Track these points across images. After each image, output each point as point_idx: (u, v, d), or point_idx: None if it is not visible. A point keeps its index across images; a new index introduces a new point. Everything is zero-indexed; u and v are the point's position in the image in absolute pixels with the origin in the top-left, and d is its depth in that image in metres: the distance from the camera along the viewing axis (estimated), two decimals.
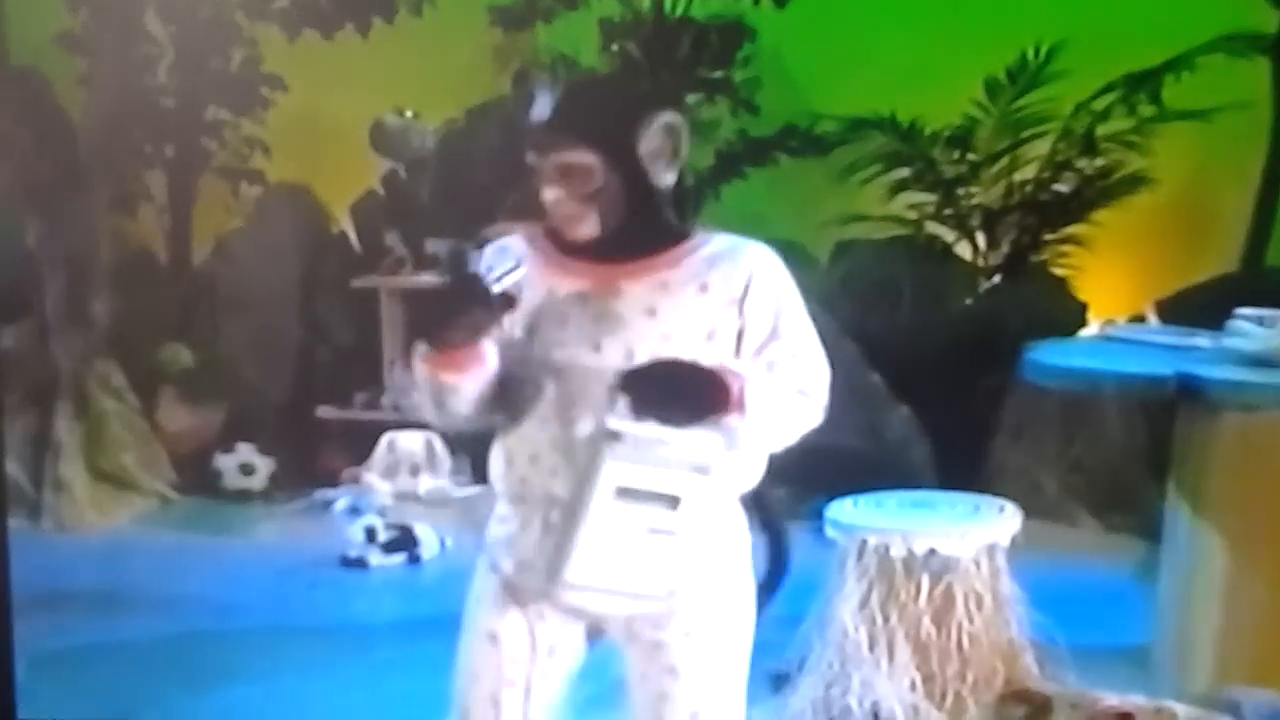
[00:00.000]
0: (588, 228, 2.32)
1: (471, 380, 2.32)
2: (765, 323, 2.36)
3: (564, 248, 2.37)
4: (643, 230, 2.36)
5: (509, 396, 2.36)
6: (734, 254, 2.38)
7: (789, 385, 2.35)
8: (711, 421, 2.22)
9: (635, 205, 2.34)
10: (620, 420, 2.17)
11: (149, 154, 7.05)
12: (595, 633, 2.45)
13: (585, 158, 2.30)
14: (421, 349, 2.31)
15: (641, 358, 2.29)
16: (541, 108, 2.33)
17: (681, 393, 2.22)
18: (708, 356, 2.30)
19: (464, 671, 2.45)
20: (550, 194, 2.31)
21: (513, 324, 2.33)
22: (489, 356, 2.32)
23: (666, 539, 2.17)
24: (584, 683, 2.55)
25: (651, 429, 2.17)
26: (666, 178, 2.36)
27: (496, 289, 2.26)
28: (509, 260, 2.33)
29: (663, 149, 2.35)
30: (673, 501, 2.16)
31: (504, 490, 2.43)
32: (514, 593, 2.41)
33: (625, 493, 2.14)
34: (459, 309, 2.25)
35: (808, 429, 2.39)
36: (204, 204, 7.16)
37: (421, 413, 2.43)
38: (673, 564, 2.20)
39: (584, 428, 2.29)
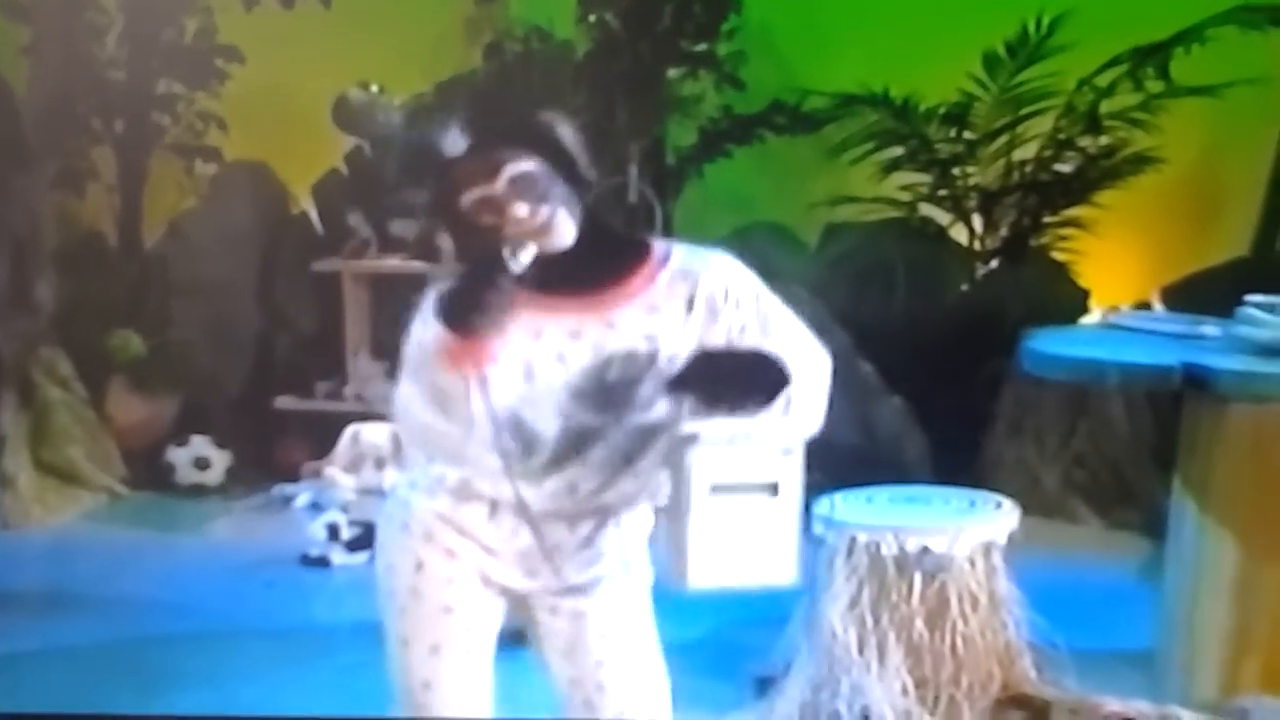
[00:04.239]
0: (565, 234, 2.44)
1: (484, 377, 2.38)
2: (754, 326, 2.48)
3: (539, 285, 2.44)
4: (606, 249, 2.50)
5: (517, 437, 2.45)
6: (704, 265, 2.51)
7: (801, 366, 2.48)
8: (775, 403, 2.34)
9: (585, 205, 2.48)
10: (693, 422, 2.29)
11: (97, 129, 7.02)
12: (519, 608, 2.61)
13: (527, 164, 2.42)
14: (441, 344, 2.37)
15: (645, 386, 2.43)
16: (454, 142, 2.44)
17: (746, 379, 2.35)
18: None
19: (419, 647, 2.56)
20: (519, 211, 2.40)
21: (512, 369, 2.43)
22: (496, 355, 2.39)
23: (776, 525, 2.30)
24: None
25: (726, 424, 2.29)
26: (591, 171, 2.50)
27: (516, 269, 2.37)
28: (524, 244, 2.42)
29: (576, 139, 2.49)
30: (772, 488, 2.29)
31: (456, 477, 2.52)
32: (457, 562, 2.54)
33: (720, 488, 2.27)
34: (490, 289, 2.34)
35: (821, 413, 2.50)
36: (156, 183, 7.14)
37: (423, 441, 2.53)
38: (790, 546, 2.33)
39: (578, 448, 2.44)
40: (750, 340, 2.47)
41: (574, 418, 2.45)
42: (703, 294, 2.47)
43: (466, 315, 2.34)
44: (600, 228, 2.52)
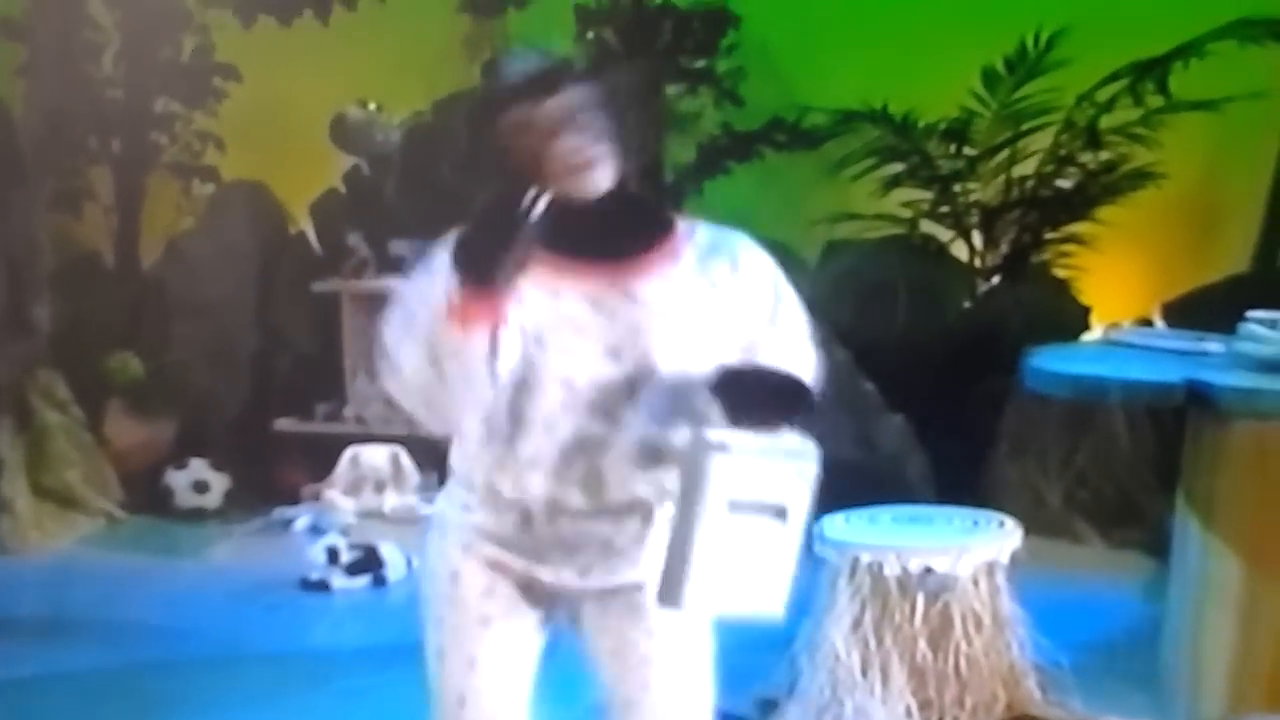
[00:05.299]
0: (602, 178, 2.35)
1: (493, 337, 2.29)
2: (764, 311, 2.46)
3: (558, 246, 2.37)
4: (631, 218, 2.42)
5: (517, 406, 2.39)
6: (728, 244, 2.47)
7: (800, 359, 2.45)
8: (797, 422, 2.28)
9: (633, 165, 2.40)
10: (723, 431, 2.21)
11: (94, 149, 7.05)
12: (568, 609, 2.55)
13: (585, 92, 2.34)
14: (451, 299, 2.26)
15: (660, 361, 2.37)
16: (525, 62, 2.36)
17: (776, 397, 2.29)
18: (717, 351, 2.38)
19: (456, 660, 2.52)
20: (565, 143, 2.32)
21: (524, 332, 2.36)
22: (507, 315, 2.31)
23: (778, 550, 2.23)
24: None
25: (757, 438, 2.21)
26: (640, 130, 2.43)
27: (533, 217, 2.24)
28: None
29: (637, 92, 2.48)
30: (780, 511, 2.22)
31: (480, 483, 2.47)
32: (498, 574, 2.50)
33: (736, 505, 2.19)
34: (506, 237, 2.23)
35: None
36: (153, 203, 7.16)
37: (420, 401, 2.37)
38: (786, 574, 2.25)
39: (594, 430, 2.36)
40: (757, 327, 2.43)
41: (584, 428, 2.38)
42: (725, 272, 2.43)
43: (481, 264, 2.23)
44: (627, 195, 2.41)
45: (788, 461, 2.22)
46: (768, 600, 2.26)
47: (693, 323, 2.40)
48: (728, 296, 2.43)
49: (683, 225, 2.47)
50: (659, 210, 2.48)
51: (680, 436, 2.34)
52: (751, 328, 2.44)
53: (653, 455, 2.40)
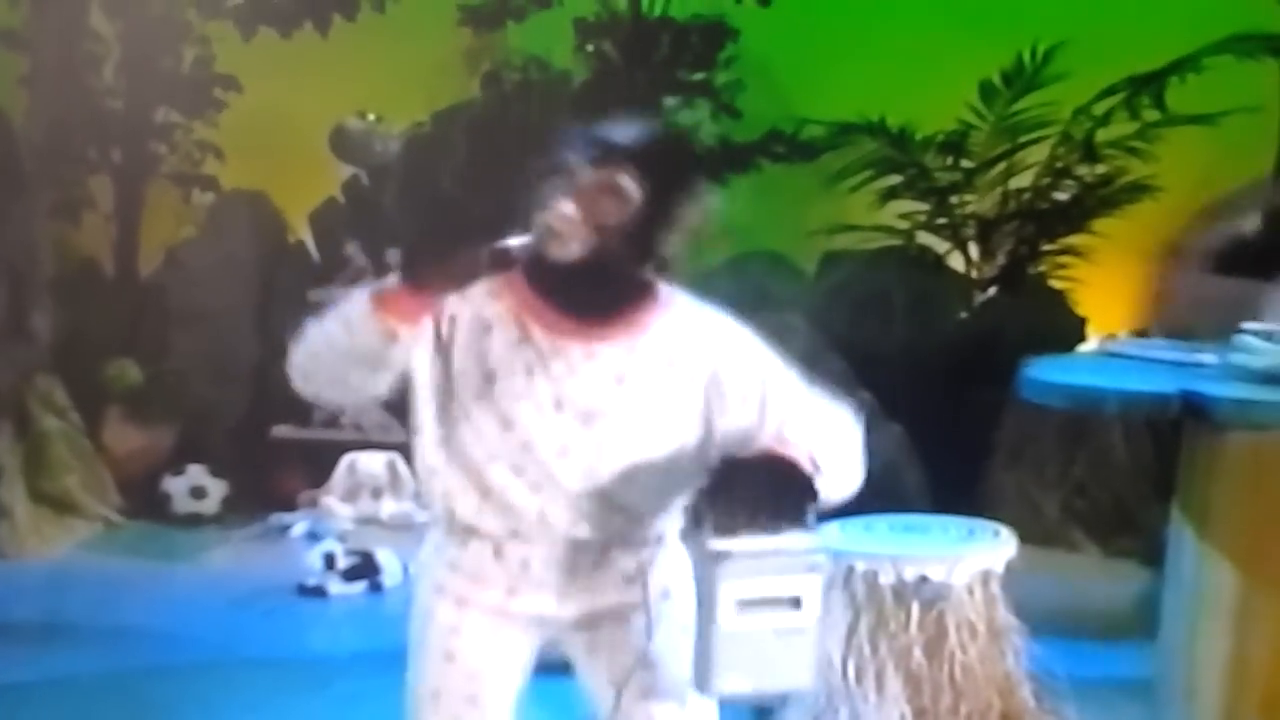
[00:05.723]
0: (572, 251, 2.32)
1: (408, 338, 2.34)
2: (749, 397, 2.39)
3: (538, 286, 2.38)
4: (615, 279, 2.39)
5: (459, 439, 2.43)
6: (701, 329, 2.42)
7: (826, 434, 2.40)
8: (809, 509, 2.28)
9: (633, 254, 2.37)
10: (724, 540, 2.25)
11: (94, 159, 7.05)
12: (550, 640, 2.55)
13: (632, 189, 2.31)
14: (386, 285, 2.31)
15: (601, 422, 2.37)
16: (628, 131, 2.36)
17: (774, 493, 2.26)
18: (669, 428, 2.38)
19: (422, 692, 2.53)
20: (567, 208, 2.30)
21: (481, 357, 2.39)
22: (427, 322, 2.36)
23: (797, 636, 2.31)
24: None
25: (757, 542, 2.25)
26: (670, 247, 2.39)
27: (507, 242, 2.28)
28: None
29: (690, 221, 2.38)
30: (795, 602, 2.29)
31: (444, 517, 2.49)
32: (466, 610, 2.50)
33: (747, 604, 2.27)
34: (468, 248, 2.25)
35: (856, 472, 2.44)
36: (153, 212, 7.16)
37: (318, 381, 2.60)
38: (809, 655, 2.33)
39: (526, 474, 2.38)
40: (749, 409, 2.38)
41: (525, 467, 2.40)
42: (692, 356, 2.40)
43: (429, 267, 2.26)
44: (613, 256, 2.35)
45: (795, 557, 2.27)
46: (795, 677, 2.34)
47: (644, 394, 2.38)
48: (688, 378, 2.39)
49: (663, 295, 2.42)
50: (639, 278, 2.41)
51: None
52: (736, 415, 2.39)
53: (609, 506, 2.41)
